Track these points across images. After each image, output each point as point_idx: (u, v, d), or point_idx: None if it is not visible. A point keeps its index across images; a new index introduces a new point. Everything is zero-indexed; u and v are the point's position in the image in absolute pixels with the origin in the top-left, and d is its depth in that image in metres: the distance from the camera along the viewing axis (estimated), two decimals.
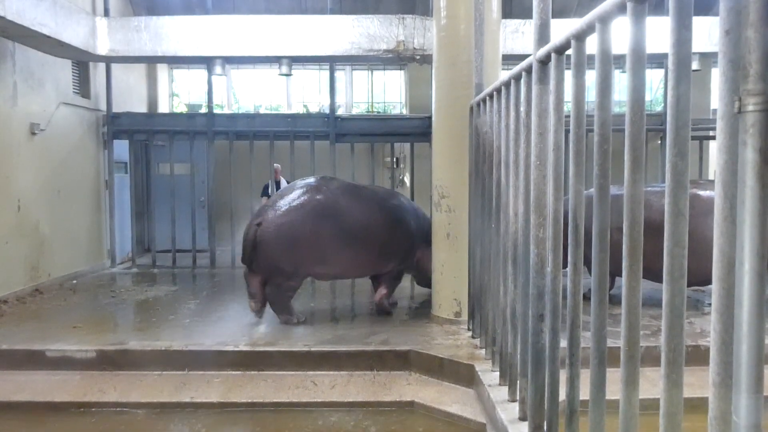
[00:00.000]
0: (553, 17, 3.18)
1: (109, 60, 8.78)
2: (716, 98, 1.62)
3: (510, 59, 7.12)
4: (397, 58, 8.33)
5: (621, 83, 10.12)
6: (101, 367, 5.13)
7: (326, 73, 10.94)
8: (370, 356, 5.13)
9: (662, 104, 10.87)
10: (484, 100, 4.73)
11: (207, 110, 10.12)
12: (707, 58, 9.70)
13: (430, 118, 6.52)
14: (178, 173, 9.68)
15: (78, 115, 9.02)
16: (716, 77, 1.68)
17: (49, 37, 6.91)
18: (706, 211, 5.42)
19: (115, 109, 9.69)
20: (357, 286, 7.76)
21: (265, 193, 9.67)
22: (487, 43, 5.40)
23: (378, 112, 12.44)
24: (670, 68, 1.86)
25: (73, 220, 8.76)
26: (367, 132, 9.94)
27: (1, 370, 5.08)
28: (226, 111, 12.17)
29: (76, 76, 9.06)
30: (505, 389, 4.00)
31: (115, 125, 9.63)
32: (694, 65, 9.13)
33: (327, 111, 10.25)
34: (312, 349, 5.20)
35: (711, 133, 9.92)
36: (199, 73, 12.05)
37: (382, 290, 6.41)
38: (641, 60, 2.11)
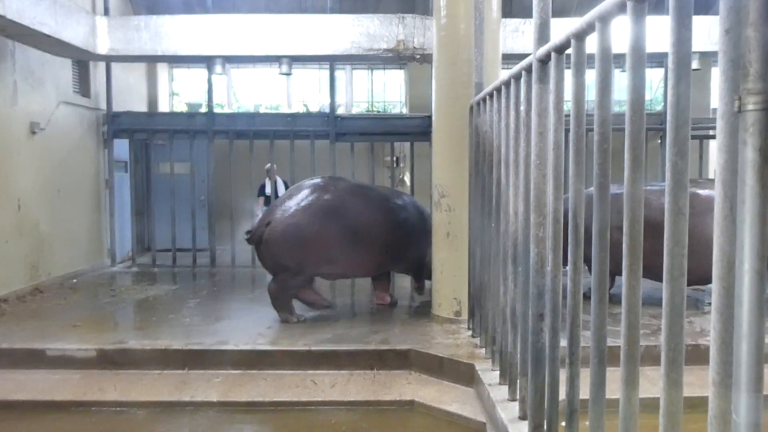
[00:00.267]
0: (553, 16, 3.18)
1: (109, 59, 8.78)
2: (716, 97, 1.62)
3: (510, 58, 7.12)
4: (397, 58, 8.33)
5: (621, 82, 10.12)
6: (101, 366, 5.13)
7: (326, 73, 10.93)
8: (370, 355, 5.14)
9: (662, 103, 10.87)
10: (484, 100, 4.73)
11: (207, 109, 10.12)
12: (707, 57, 9.70)
13: (430, 117, 6.52)
14: (178, 172, 9.67)
15: (78, 115, 9.02)
16: (716, 76, 1.68)
17: (49, 36, 6.91)
18: (704, 210, 5.42)
19: (116, 108, 9.69)
20: (357, 286, 7.76)
21: (261, 193, 9.66)
22: (487, 42, 5.40)
23: (378, 112, 12.44)
24: (670, 67, 1.86)
25: (74, 220, 8.76)
26: (367, 131, 9.93)
27: (1, 369, 5.08)
28: (226, 110, 12.16)
29: (76, 75, 9.05)
30: (505, 388, 4.00)
31: (115, 124, 9.63)
32: (694, 64, 9.13)
33: (327, 110, 10.24)
34: (312, 348, 5.21)
35: (711, 133, 9.91)
36: (199, 73, 12.04)
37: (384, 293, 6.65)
38: (641, 59, 2.11)
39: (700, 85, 10.88)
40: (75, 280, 8.41)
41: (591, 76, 2.32)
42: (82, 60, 8.84)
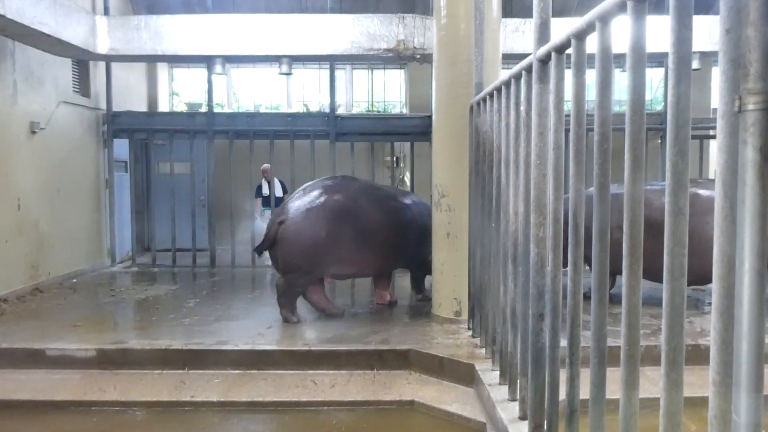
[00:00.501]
0: (553, 16, 3.18)
1: (109, 59, 8.78)
2: (716, 97, 1.62)
3: (510, 58, 7.12)
4: (398, 58, 8.33)
5: (621, 82, 10.12)
6: (101, 365, 5.13)
7: (326, 72, 10.93)
8: (370, 355, 5.13)
9: (662, 103, 10.87)
10: (484, 100, 4.73)
11: (207, 109, 10.12)
12: (707, 57, 9.69)
13: (430, 117, 6.53)
14: (178, 172, 9.67)
15: (78, 114, 9.02)
16: (716, 76, 1.68)
17: (49, 35, 6.91)
18: (703, 210, 5.42)
19: (115, 108, 9.69)
20: (357, 286, 7.76)
21: (258, 194, 9.66)
22: (488, 42, 5.40)
23: (378, 111, 12.44)
24: (670, 67, 1.85)
25: (73, 219, 8.76)
26: (367, 131, 9.93)
27: (1, 369, 5.08)
28: (226, 110, 12.16)
29: (76, 75, 9.05)
30: (505, 388, 4.00)
31: (115, 124, 9.63)
32: (695, 64, 9.13)
33: (327, 110, 10.24)
34: (312, 348, 5.21)
35: (711, 133, 9.91)
36: (199, 72, 12.05)
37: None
38: (641, 59, 2.11)
39: (701, 85, 10.88)
40: (75, 280, 8.41)
41: (591, 76, 2.32)
42: (82, 60, 8.84)
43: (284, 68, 9.14)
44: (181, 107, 12.61)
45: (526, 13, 7.37)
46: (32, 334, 5.61)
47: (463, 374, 4.75)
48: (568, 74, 2.70)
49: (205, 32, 8.24)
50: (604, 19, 2.33)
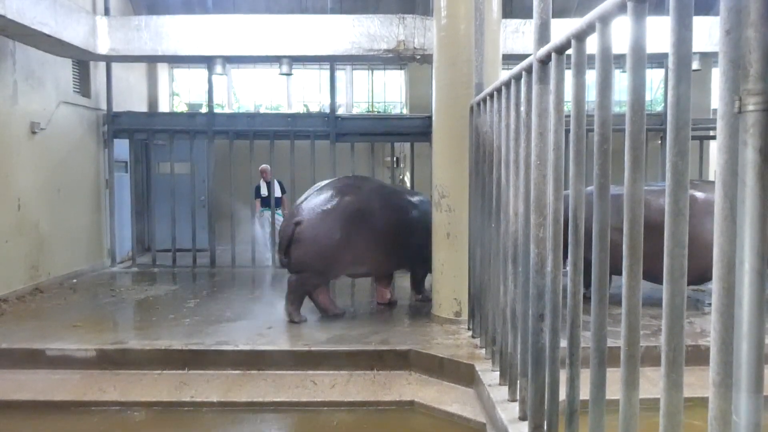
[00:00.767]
0: (553, 17, 3.18)
1: (109, 59, 8.78)
2: (716, 98, 1.62)
3: (510, 59, 7.12)
4: (398, 58, 8.34)
5: (621, 83, 10.12)
6: (101, 366, 5.13)
7: (326, 73, 10.94)
8: (370, 356, 5.13)
9: (662, 104, 10.87)
10: (484, 100, 4.73)
11: (207, 109, 10.13)
12: (707, 57, 9.70)
13: (430, 117, 6.53)
14: (178, 172, 9.67)
15: (78, 114, 9.02)
16: (716, 77, 1.68)
17: (49, 36, 6.91)
18: (699, 212, 5.43)
19: (116, 108, 9.69)
20: (357, 286, 7.76)
21: (257, 194, 9.66)
22: (488, 42, 5.40)
23: (378, 112, 12.44)
24: (670, 68, 1.86)
25: (73, 219, 8.76)
26: (367, 131, 9.94)
27: (1, 369, 5.08)
28: (226, 110, 12.17)
29: (76, 75, 9.05)
30: (505, 389, 4.00)
31: (115, 124, 9.63)
32: (695, 65, 9.13)
33: (327, 110, 10.24)
34: (312, 348, 5.21)
35: (711, 133, 9.91)
36: (200, 73, 12.05)
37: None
38: (641, 60, 2.11)
39: (701, 86, 10.88)
40: (75, 280, 8.41)
41: (591, 77, 2.32)
42: (82, 60, 8.84)
43: (284, 69, 9.16)
44: (181, 107, 12.61)
45: (526, 14, 7.37)
46: (32, 335, 5.61)
47: (463, 375, 4.75)
48: (568, 75, 2.70)
49: (206, 32, 8.24)
50: (604, 19, 2.33)
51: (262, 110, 12.28)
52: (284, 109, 12.38)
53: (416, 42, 7.94)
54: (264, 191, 9.59)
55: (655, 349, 4.28)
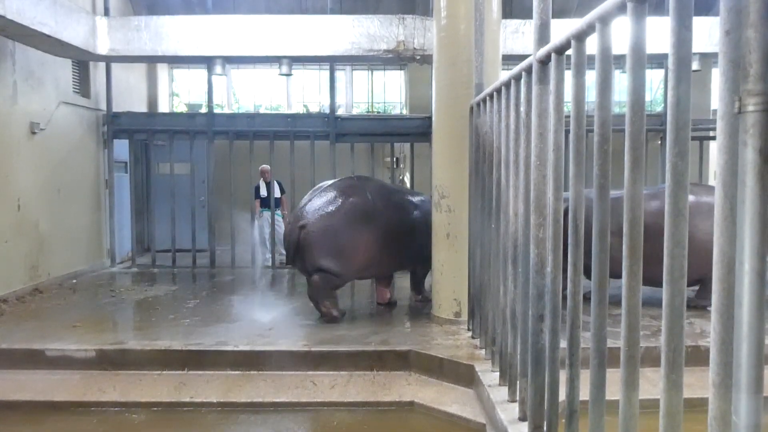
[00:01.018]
0: (553, 17, 3.18)
1: (109, 59, 8.78)
2: (716, 98, 1.62)
3: (510, 59, 7.12)
4: (398, 58, 8.33)
5: (621, 83, 10.12)
6: (101, 366, 5.12)
7: (326, 73, 10.94)
8: (369, 356, 5.13)
9: (662, 104, 10.87)
10: (484, 100, 4.73)
11: (207, 110, 10.12)
12: (707, 58, 9.70)
13: (430, 118, 6.53)
14: (178, 173, 9.67)
15: (78, 115, 9.02)
16: (716, 77, 1.68)
17: (49, 36, 6.91)
18: (695, 213, 5.42)
19: (115, 109, 9.69)
20: (356, 286, 7.76)
21: (257, 195, 9.65)
22: (487, 43, 5.40)
23: (378, 112, 12.44)
24: (670, 68, 1.86)
25: (73, 220, 8.76)
26: (367, 132, 9.94)
27: (0, 369, 5.08)
28: (226, 111, 12.16)
29: (76, 76, 9.05)
30: (504, 389, 4.00)
31: (115, 125, 9.63)
32: (695, 65, 9.14)
33: (327, 111, 10.24)
34: (312, 349, 5.20)
35: (711, 134, 9.92)
36: (199, 73, 12.05)
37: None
38: (641, 60, 2.11)
39: (701, 86, 10.89)
40: (75, 281, 8.41)
41: (591, 77, 2.32)
42: (82, 60, 8.84)
43: (284, 69, 9.15)
44: (181, 108, 12.61)
45: (526, 15, 7.37)
46: (32, 335, 5.60)
47: (463, 375, 4.75)
48: (568, 75, 2.70)
49: (205, 33, 8.24)
50: (604, 20, 2.33)
51: (262, 111, 12.28)
52: (284, 110, 12.38)
53: (416, 42, 7.94)
54: (263, 192, 9.58)
55: (655, 350, 4.28)
